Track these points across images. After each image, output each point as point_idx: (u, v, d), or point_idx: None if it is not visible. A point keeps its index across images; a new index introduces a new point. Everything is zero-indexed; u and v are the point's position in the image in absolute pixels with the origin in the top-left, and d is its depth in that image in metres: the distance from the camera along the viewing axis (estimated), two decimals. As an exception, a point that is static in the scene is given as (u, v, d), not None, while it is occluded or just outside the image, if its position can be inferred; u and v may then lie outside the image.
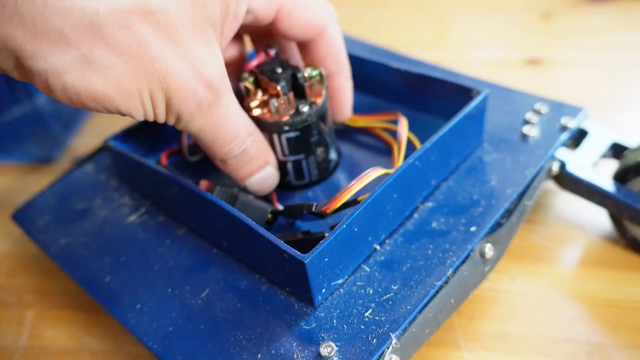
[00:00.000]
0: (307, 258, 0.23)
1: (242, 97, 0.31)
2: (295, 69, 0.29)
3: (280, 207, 0.29)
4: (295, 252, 0.23)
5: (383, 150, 0.33)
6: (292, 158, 0.30)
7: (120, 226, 0.31)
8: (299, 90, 0.29)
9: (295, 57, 0.32)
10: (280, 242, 0.23)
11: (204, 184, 0.29)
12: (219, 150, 0.26)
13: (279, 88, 0.28)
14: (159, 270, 0.28)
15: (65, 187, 0.34)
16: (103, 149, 0.36)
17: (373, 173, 0.26)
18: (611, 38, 0.48)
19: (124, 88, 0.21)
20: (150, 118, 0.23)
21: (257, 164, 0.28)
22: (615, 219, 0.31)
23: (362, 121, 0.34)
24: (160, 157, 0.32)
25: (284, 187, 0.32)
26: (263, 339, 0.24)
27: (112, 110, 0.22)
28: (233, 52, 0.31)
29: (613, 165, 0.33)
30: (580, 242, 0.32)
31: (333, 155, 0.32)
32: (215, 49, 0.24)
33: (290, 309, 0.25)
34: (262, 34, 0.31)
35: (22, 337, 0.31)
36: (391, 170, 0.26)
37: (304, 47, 0.30)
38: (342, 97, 0.32)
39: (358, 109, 0.34)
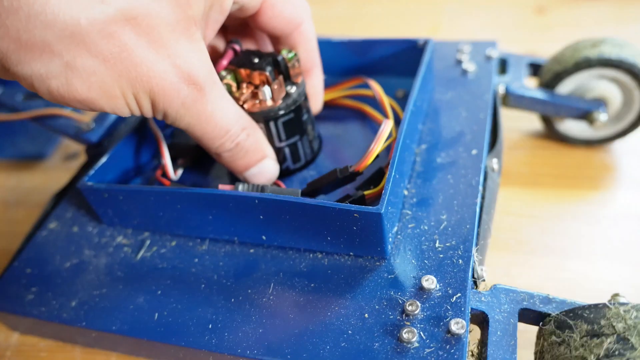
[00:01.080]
0: (382, 209, 0.24)
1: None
2: (272, 55, 0.29)
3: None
4: (369, 208, 0.24)
5: (353, 116, 0.35)
6: (289, 142, 0.30)
7: (134, 266, 0.28)
8: (280, 73, 0.29)
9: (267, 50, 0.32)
10: (350, 206, 0.24)
11: (225, 187, 0.28)
12: (211, 144, 0.27)
13: (267, 74, 0.28)
14: (207, 286, 0.26)
15: (36, 252, 0.30)
16: (62, 200, 0.32)
17: (388, 125, 0.28)
18: (605, 31, 0.49)
19: (107, 91, 0.22)
20: (137, 114, 0.24)
21: (253, 157, 0.28)
22: (546, 120, 0.38)
23: (327, 94, 0.36)
24: (157, 177, 0.30)
25: (282, 174, 0.32)
26: (358, 301, 0.24)
27: (98, 110, 0.22)
28: (221, 43, 0.30)
29: (532, 81, 0.39)
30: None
31: (317, 132, 0.33)
32: (200, 45, 0.24)
33: (364, 268, 0.25)
34: (235, 27, 0.31)
35: (14, 335, 0.31)
36: (390, 122, 0.28)
37: (279, 42, 0.30)
38: (316, 91, 0.33)
39: (313, 89, 0.36)
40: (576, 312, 0.21)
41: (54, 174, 0.42)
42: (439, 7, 0.56)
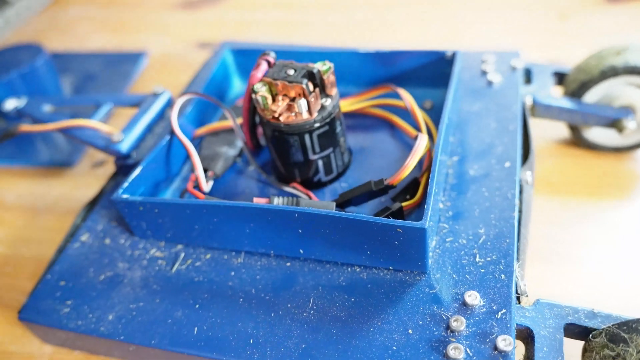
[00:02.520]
0: (425, 224, 0.24)
1: (256, 110, 0.31)
2: (306, 67, 0.29)
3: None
4: (413, 223, 0.24)
5: (381, 126, 0.35)
6: (322, 154, 0.30)
7: (169, 279, 0.28)
8: (316, 86, 0.29)
9: None
10: (393, 221, 0.24)
11: (260, 200, 0.28)
12: None
13: (304, 87, 0.28)
14: (246, 300, 0.26)
15: (69, 265, 0.30)
16: (91, 212, 0.32)
17: (424, 140, 0.28)
18: (628, 37, 0.48)
19: None
20: None
21: None
22: (574, 128, 0.38)
23: (351, 104, 0.36)
24: (189, 190, 0.30)
25: (313, 185, 0.32)
26: (400, 316, 0.24)
27: None
28: None
29: (557, 89, 0.40)
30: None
31: (347, 144, 0.33)
32: None
33: (405, 282, 0.25)
34: None
35: (46, 347, 0.31)
36: (426, 137, 0.28)
37: None
38: None
39: (341, 97, 0.36)
40: (630, 326, 0.21)
41: (82, 181, 0.42)
42: (460, 13, 0.56)
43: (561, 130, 0.40)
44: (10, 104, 0.39)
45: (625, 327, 0.21)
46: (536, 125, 0.40)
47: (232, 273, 0.28)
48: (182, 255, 0.29)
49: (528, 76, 0.38)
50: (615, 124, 0.35)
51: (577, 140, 0.38)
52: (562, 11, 0.53)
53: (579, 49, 0.41)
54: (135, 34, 0.61)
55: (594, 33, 0.50)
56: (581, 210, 0.35)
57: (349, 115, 0.36)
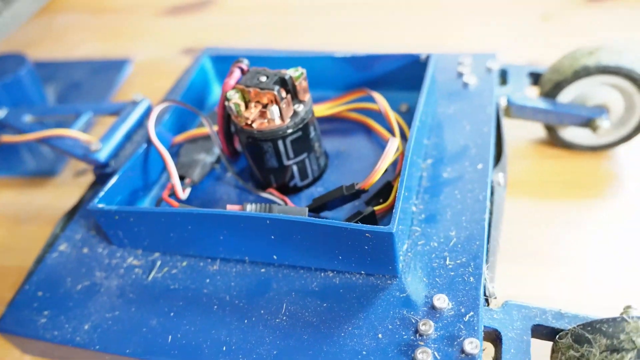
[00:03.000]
0: (393, 228, 0.24)
1: (230, 117, 0.31)
2: (278, 74, 0.29)
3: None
4: (381, 228, 0.24)
5: (357, 130, 0.35)
6: (297, 159, 0.31)
7: (145, 287, 0.28)
8: (288, 92, 0.30)
9: None
10: (361, 226, 0.24)
11: (233, 207, 0.28)
12: None
13: (275, 93, 0.28)
14: (220, 307, 0.26)
15: (47, 275, 0.30)
16: (70, 222, 0.32)
17: (394, 143, 0.28)
18: (609, 37, 0.49)
19: None
20: None
21: None
22: (550, 128, 0.38)
23: (327, 108, 0.36)
24: (164, 198, 0.30)
25: (289, 190, 0.32)
26: (371, 320, 0.24)
27: None
28: None
29: (533, 90, 0.40)
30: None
31: (323, 148, 0.33)
32: None
33: (376, 286, 0.26)
34: None
35: (25, 358, 0.32)
36: (397, 140, 0.29)
37: None
38: None
39: (316, 102, 0.36)
40: (594, 326, 0.22)
41: (65, 190, 0.43)
42: (446, 15, 0.57)
43: (538, 130, 0.41)
44: (-9, 115, 0.39)
45: (589, 328, 0.22)
46: (514, 126, 0.40)
47: (208, 280, 0.28)
48: (159, 263, 0.29)
49: (504, 77, 0.39)
50: (589, 123, 0.35)
51: (554, 140, 0.39)
52: (544, 12, 0.54)
53: (560, 49, 0.41)
54: (124, 40, 0.61)
55: (575, 33, 0.51)
56: (557, 210, 0.35)
57: (326, 119, 0.36)
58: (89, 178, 0.43)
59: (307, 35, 0.57)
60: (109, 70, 0.54)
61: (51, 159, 0.45)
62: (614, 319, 0.21)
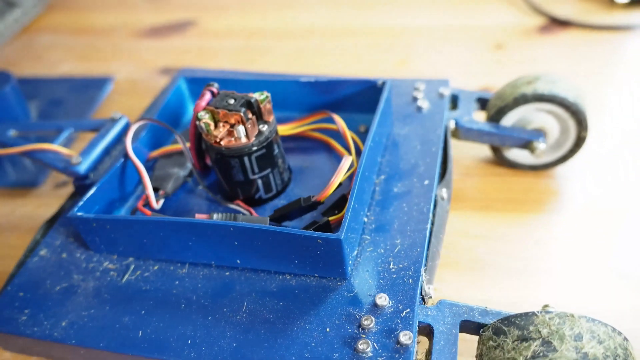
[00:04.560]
0: (342, 235, 0.27)
1: (201, 135, 0.34)
2: (245, 97, 0.33)
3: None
4: (331, 235, 0.27)
5: (320, 148, 0.39)
6: (261, 174, 0.34)
7: (119, 288, 0.31)
8: (254, 113, 0.33)
9: None
10: (313, 233, 0.27)
11: (201, 216, 0.31)
12: None
13: (241, 115, 0.31)
14: (187, 306, 0.29)
15: (28, 277, 0.32)
16: (51, 229, 0.35)
17: (348, 160, 0.32)
18: (559, 66, 0.53)
19: None
20: None
21: None
22: (495, 149, 0.42)
23: (292, 128, 0.39)
24: (138, 208, 0.33)
25: (255, 202, 0.35)
26: (321, 317, 0.27)
27: None
28: None
29: (481, 114, 0.44)
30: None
31: (287, 164, 0.36)
32: None
33: (327, 287, 0.29)
34: None
35: (4, 354, 0.33)
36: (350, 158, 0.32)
37: None
38: None
39: (282, 123, 0.39)
40: (510, 320, 0.25)
41: (46, 200, 0.45)
42: (407, 42, 0.61)
43: (485, 151, 0.44)
44: (-23, 129, 0.42)
45: (506, 322, 0.25)
46: (463, 147, 0.44)
47: (177, 282, 0.31)
48: (133, 267, 0.32)
49: (455, 102, 0.42)
50: (528, 145, 0.39)
51: (499, 160, 0.42)
52: (497, 42, 0.58)
53: (511, 76, 0.46)
54: (103, 60, 0.64)
55: (526, 61, 0.55)
56: (499, 224, 0.39)
57: (291, 138, 0.40)
58: (69, 189, 0.46)
59: (274, 58, 0.61)
60: (90, 88, 0.57)
61: (32, 171, 0.48)
62: (526, 314, 0.25)
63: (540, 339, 0.23)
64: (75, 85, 0.58)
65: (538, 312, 0.24)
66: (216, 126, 0.32)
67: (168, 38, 0.67)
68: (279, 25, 0.67)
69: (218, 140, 0.32)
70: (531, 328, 0.24)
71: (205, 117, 0.32)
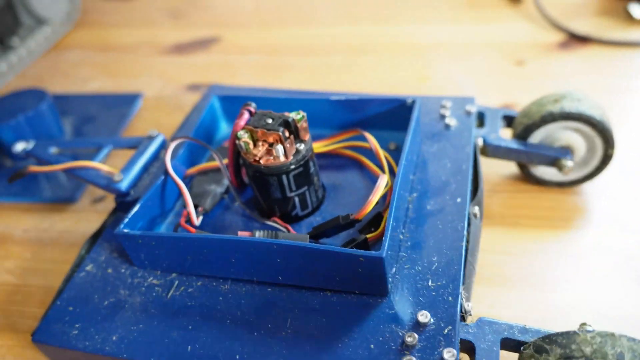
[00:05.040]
0: (383, 253, 0.28)
1: (239, 153, 0.35)
2: (282, 116, 0.34)
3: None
4: (372, 253, 0.28)
5: (351, 165, 0.40)
6: (298, 192, 0.35)
7: (165, 304, 0.32)
8: (291, 132, 0.34)
9: None
10: (355, 251, 0.28)
11: (244, 234, 0.32)
12: None
13: (280, 134, 0.33)
14: (232, 322, 0.30)
15: (76, 292, 0.33)
16: (95, 244, 0.36)
17: (384, 180, 0.33)
18: (579, 81, 0.54)
19: None
20: None
21: None
22: (522, 165, 0.43)
23: (324, 145, 0.40)
24: (181, 225, 0.34)
25: (291, 219, 0.36)
26: (364, 333, 0.28)
27: None
28: None
29: (506, 132, 0.45)
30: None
31: (321, 181, 0.37)
32: None
33: (368, 304, 0.30)
34: None
35: None
36: (386, 177, 0.33)
37: None
38: None
39: (314, 140, 0.40)
40: (552, 338, 0.26)
41: (84, 216, 0.46)
42: (428, 57, 0.62)
43: (512, 167, 0.45)
44: (20, 146, 0.43)
45: (547, 340, 0.26)
46: (490, 163, 0.45)
47: (220, 298, 0.32)
48: (177, 282, 0.33)
49: (481, 119, 0.43)
50: (555, 162, 0.40)
51: (526, 177, 0.43)
52: (518, 58, 0.59)
53: (533, 92, 0.47)
54: (130, 77, 0.66)
55: (547, 77, 0.56)
56: (528, 240, 0.40)
57: (323, 155, 0.41)
58: (106, 205, 0.47)
59: (298, 74, 0.62)
60: (120, 104, 0.59)
61: (69, 186, 0.49)
62: (568, 333, 0.25)
63: (584, 358, 0.24)
64: (106, 102, 0.59)
65: (579, 330, 0.25)
66: (255, 145, 0.34)
67: (192, 54, 0.69)
68: (301, 41, 0.68)
69: (257, 158, 0.33)
70: (573, 347, 0.25)
71: (245, 136, 0.33)
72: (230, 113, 0.45)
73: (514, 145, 0.41)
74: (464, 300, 0.29)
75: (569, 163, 0.40)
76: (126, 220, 0.33)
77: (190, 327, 0.30)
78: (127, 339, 0.30)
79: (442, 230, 0.33)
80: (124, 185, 0.38)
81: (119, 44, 0.73)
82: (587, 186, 0.43)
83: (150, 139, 0.42)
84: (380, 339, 0.28)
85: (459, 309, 0.28)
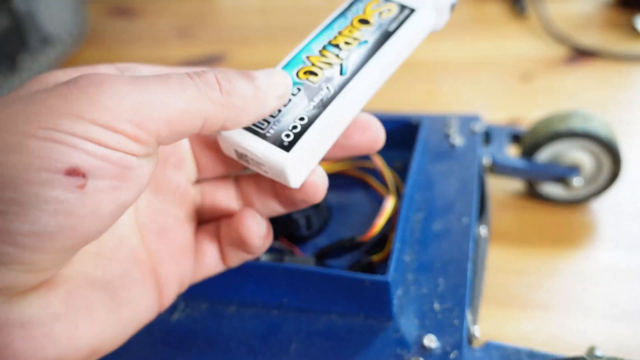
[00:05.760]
0: (389, 277, 0.28)
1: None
2: None
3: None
4: (378, 277, 0.28)
5: (357, 185, 0.40)
6: (304, 212, 0.35)
7: (169, 327, 0.32)
8: None
9: None
10: (361, 275, 0.28)
11: (249, 256, 0.32)
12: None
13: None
14: (237, 346, 0.30)
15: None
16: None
17: (390, 202, 0.33)
18: (586, 96, 0.54)
19: None
20: None
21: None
22: (529, 183, 0.43)
23: (330, 166, 0.40)
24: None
25: (296, 240, 0.36)
26: (370, 357, 0.28)
27: None
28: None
29: (513, 149, 0.45)
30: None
31: (327, 202, 0.37)
32: None
33: (374, 327, 0.29)
34: None
35: None
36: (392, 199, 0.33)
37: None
38: None
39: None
40: None
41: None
42: (433, 73, 0.62)
43: (519, 185, 0.45)
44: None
45: (555, 365, 0.25)
46: (497, 181, 0.45)
47: (225, 321, 0.32)
48: (182, 305, 0.33)
49: (487, 137, 0.43)
50: (563, 180, 0.40)
51: (533, 194, 0.43)
52: (523, 73, 0.59)
53: (539, 108, 0.46)
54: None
55: (553, 92, 0.56)
56: (535, 259, 0.39)
57: (328, 175, 0.40)
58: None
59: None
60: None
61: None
62: (575, 358, 0.25)
63: (591, 384, 0.24)
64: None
65: (588, 356, 0.25)
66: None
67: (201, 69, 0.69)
68: (307, 57, 0.68)
69: (265, 182, 0.33)
70: (581, 372, 0.24)
71: (251, 160, 0.33)
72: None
73: (522, 164, 0.40)
74: (470, 323, 0.29)
75: (576, 181, 0.39)
76: (132, 242, 0.33)
77: (195, 351, 0.30)
78: (132, 364, 0.30)
79: (447, 252, 0.33)
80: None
81: (126, 61, 0.73)
82: (595, 203, 0.43)
83: (157, 159, 0.42)
84: (386, 363, 0.28)
85: (465, 333, 0.28)
